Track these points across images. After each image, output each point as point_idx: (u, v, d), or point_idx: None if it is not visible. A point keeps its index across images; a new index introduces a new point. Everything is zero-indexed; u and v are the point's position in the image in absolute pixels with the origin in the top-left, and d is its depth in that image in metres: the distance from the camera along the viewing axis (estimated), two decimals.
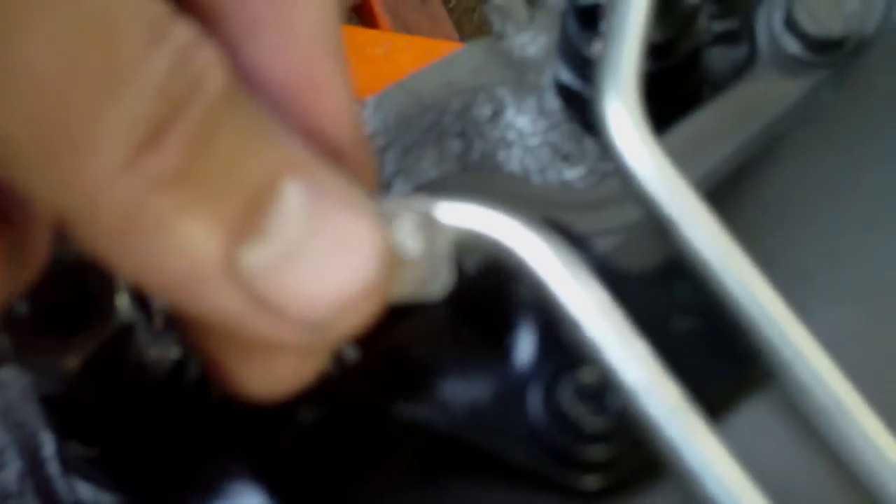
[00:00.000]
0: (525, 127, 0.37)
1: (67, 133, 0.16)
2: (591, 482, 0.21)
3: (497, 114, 0.37)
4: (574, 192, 0.32)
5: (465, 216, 0.20)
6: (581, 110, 0.36)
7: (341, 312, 0.18)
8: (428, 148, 0.36)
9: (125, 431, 0.28)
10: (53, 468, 0.32)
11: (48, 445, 0.32)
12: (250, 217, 0.17)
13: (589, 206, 0.29)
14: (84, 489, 0.31)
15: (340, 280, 0.18)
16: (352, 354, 0.24)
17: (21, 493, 0.32)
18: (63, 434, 0.28)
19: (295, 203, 0.18)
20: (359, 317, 0.18)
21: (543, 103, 0.37)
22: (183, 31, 0.16)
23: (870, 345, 0.24)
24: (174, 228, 0.17)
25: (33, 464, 0.32)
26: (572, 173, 0.36)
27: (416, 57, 0.87)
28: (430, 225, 0.20)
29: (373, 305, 0.19)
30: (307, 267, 0.18)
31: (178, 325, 0.21)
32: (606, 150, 0.24)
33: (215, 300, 0.18)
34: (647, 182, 0.23)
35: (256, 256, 0.17)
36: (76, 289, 0.25)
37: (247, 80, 0.19)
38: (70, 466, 0.30)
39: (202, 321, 0.20)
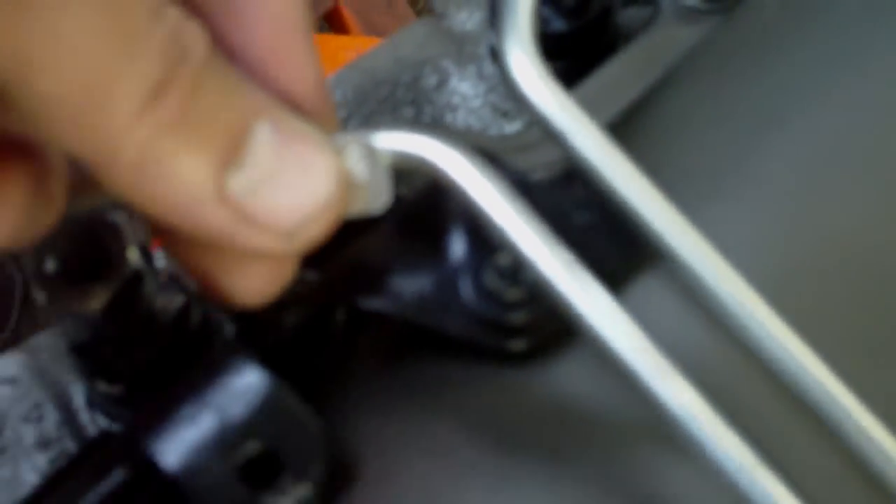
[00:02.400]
0: (467, 91, 0.42)
1: (94, 91, 0.20)
2: (516, 344, 0.26)
3: (442, 82, 0.43)
4: (506, 139, 0.37)
5: (401, 142, 0.25)
6: None
7: (308, 223, 0.23)
8: (384, 116, 0.41)
9: (140, 370, 0.34)
10: (84, 417, 0.38)
11: (78, 398, 0.38)
12: (232, 151, 0.22)
13: (518, 148, 0.34)
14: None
15: (306, 197, 0.23)
16: (313, 276, 0.29)
17: (60, 439, 0.37)
18: (90, 376, 0.34)
19: (266, 139, 0.23)
20: (321, 227, 0.24)
21: (482, 70, 0.43)
22: (173, 11, 0.22)
23: (741, 231, 0.29)
24: (176, 163, 0.22)
25: (68, 414, 0.37)
26: (511, 127, 0.42)
27: None
28: (372, 152, 0.25)
29: (332, 218, 0.24)
30: (279, 188, 0.23)
31: (177, 251, 0.26)
32: (511, 93, 0.29)
33: (209, 219, 0.23)
34: (548, 114, 0.28)
35: (239, 181, 0.22)
36: (92, 244, 0.30)
37: (227, 50, 0.24)
38: (98, 407, 0.35)
39: (198, 242, 0.25)
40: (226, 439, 0.24)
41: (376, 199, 0.25)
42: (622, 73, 0.37)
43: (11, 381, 0.37)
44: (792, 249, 0.29)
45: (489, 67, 0.43)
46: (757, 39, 0.36)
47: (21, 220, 0.24)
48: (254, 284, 0.26)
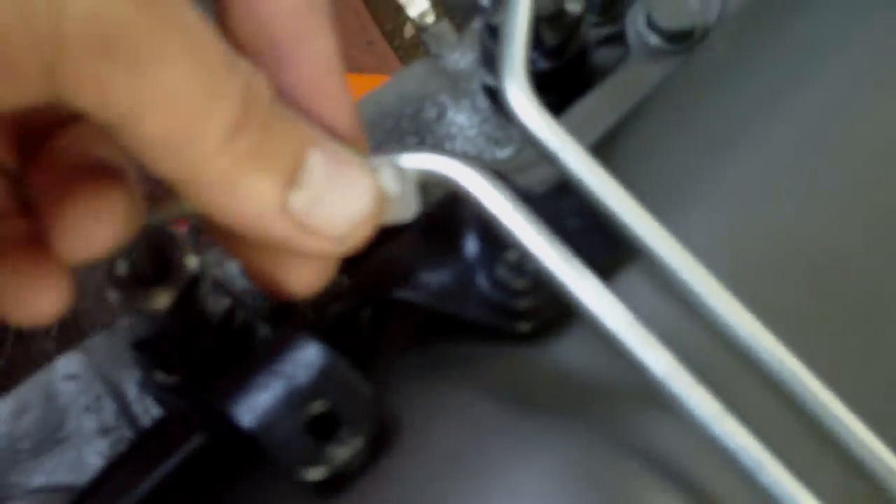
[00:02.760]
0: (463, 122, 0.48)
1: (188, 130, 0.25)
2: (523, 326, 0.32)
3: (441, 115, 0.49)
4: (503, 162, 0.43)
5: (426, 161, 0.31)
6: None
7: (353, 230, 0.29)
8: (391, 145, 0.47)
9: (194, 362, 0.39)
10: (137, 407, 0.43)
11: (131, 391, 0.43)
12: (292, 175, 0.28)
13: (513, 169, 0.40)
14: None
15: (351, 210, 0.29)
16: (345, 281, 0.35)
17: (118, 427, 0.42)
18: (149, 368, 0.39)
19: (318, 164, 0.28)
20: (363, 233, 0.29)
21: (475, 103, 0.49)
22: (245, 64, 0.27)
23: (703, 230, 0.35)
24: (249, 185, 0.27)
25: (123, 405, 0.43)
26: (502, 153, 0.48)
27: None
28: (401, 171, 0.31)
29: (371, 225, 0.29)
30: (330, 203, 0.29)
31: (241, 254, 0.31)
32: (511, 122, 0.34)
33: (274, 228, 0.28)
34: (542, 139, 0.34)
35: (298, 199, 0.28)
36: (156, 252, 0.36)
37: (283, 94, 0.29)
38: (153, 396, 0.41)
39: (262, 247, 0.30)
40: (294, 401, 0.29)
41: (407, 209, 0.31)
42: (600, 104, 0.44)
43: (73, 377, 0.43)
44: (746, 244, 0.35)
45: (481, 101, 0.49)
46: (712, 74, 0.42)
47: (121, 231, 0.29)
48: (304, 279, 0.31)
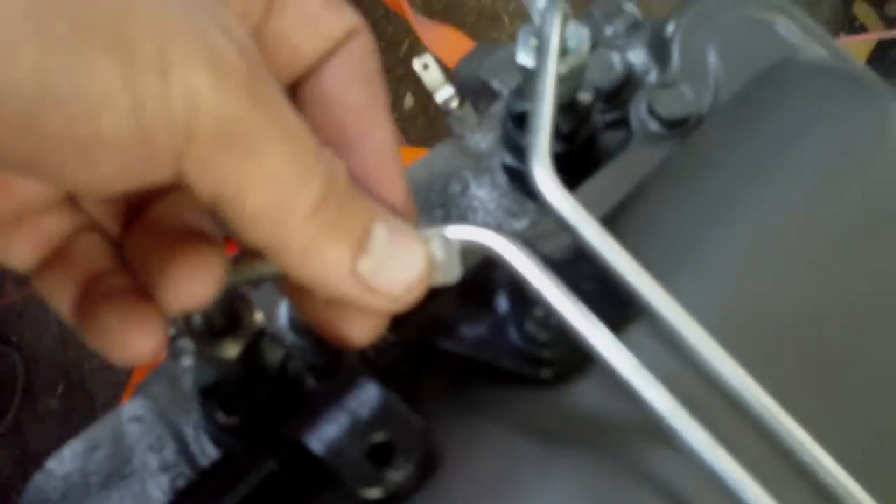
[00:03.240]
0: (484, 196, 0.55)
1: (283, 205, 0.30)
2: (546, 373, 0.38)
3: (465, 189, 0.55)
4: (524, 232, 0.49)
5: (466, 233, 0.37)
6: (521, 181, 0.54)
7: (408, 291, 0.34)
8: (421, 216, 0.53)
9: (254, 406, 0.44)
10: (195, 447, 0.48)
11: (189, 432, 0.48)
12: (362, 244, 0.33)
13: (534, 238, 0.46)
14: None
15: (408, 274, 0.34)
16: (391, 337, 0.41)
17: (178, 465, 0.47)
18: (212, 410, 0.44)
19: (383, 235, 0.33)
20: (417, 293, 0.35)
21: (495, 179, 0.55)
22: (327, 150, 0.32)
23: (701, 293, 0.41)
24: (328, 252, 0.32)
25: (182, 445, 0.48)
26: (519, 224, 0.54)
27: None
28: (447, 241, 0.37)
29: (424, 287, 0.35)
30: (392, 268, 0.34)
31: (309, 311, 0.37)
32: (539, 202, 0.40)
33: (345, 289, 0.33)
34: (563, 214, 0.40)
35: (367, 265, 0.33)
36: (228, 308, 0.41)
37: (352, 175, 0.35)
38: (211, 436, 0.46)
39: (331, 303, 0.36)
40: (357, 432, 0.35)
41: (452, 272, 0.37)
42: (607, 182, 0.50)
43: (139, 419, 0.48)
44: (735, 304, 0.41)
45: (500, 178, 0.55)
46: (705, 157, 0.48)
47: (216, 286, 0.34)
48: (361, 331, 0.37)
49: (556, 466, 0.36)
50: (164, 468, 0.47)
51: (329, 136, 0.35)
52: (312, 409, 0.36)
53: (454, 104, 0.57)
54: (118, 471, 0.48)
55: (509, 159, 0.54)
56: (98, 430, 0.48)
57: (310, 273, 0.33)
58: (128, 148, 0.27)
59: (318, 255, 0.32)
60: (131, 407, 0.48)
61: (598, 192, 0.48)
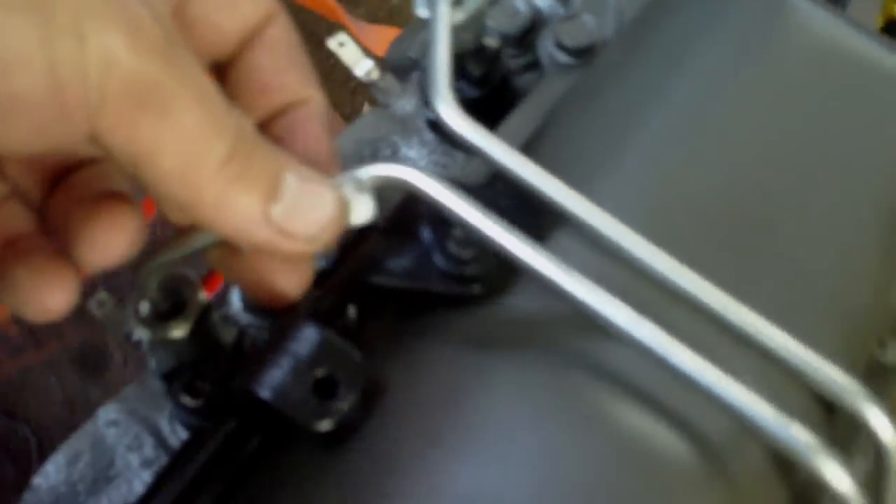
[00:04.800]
0: (414, 156, 0.56)
1: (195, 162, 0.32)
2: (476, 289, 0.39)
3: (395, 152, 0.56)
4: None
5: (379, 171, 0.38)
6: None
7: (321, 232, 0.36)
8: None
9: (216, 383, 0.45)
10: (173, 440, 0.49)
11: (165, 426, 0.50)
12: (272, 192, 0.34)
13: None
14: None
15: (320, 215, 0.36)
16: (318, 294, 0.42)
17: (158, 458, 0.48)
18: (176, 394, 0.45)
19: (292, 183, 0.35)
20: (331, 234, 0.36)
21: (423, 138, 0.56)
22: (236, 109, 0.33)
23: (616, 193, 0.42)
24: (238, 201, 0.33)
25: (159, 439, 0.49)
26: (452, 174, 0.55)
27: None
28: (360, 182, 0.38)
29: (337, 228, 0.36)
30: (303, 212, 0.35)
31: (238, 274, 0.38)
32: (447, 134, 0.42)
33: (260, 235, 0.34)
34: (471, 140, 0.41)
35: (277, 210, 0.34)
36: (172, 291, 0.43)
37: (275, 133, 0.37)
38: (180, 420, 0.47)
39: (257, 263, 0.37)
40: (299, 371, 0.36)
41: (367, 212, 0.38)
42: (522, 117, 0.51)
43: (114, 422, 0.49)
44: (655, 195, 0.42)
45: (427, 135, 0.56)
46: (610, 74, 0.50)
47: (133, 243, 0.35)
48: (289, 284, 0.38)
49: (497, 373, 0.38)
50: (146, 464, 0.48)
51: (258, 109, 0.37)
52: (257, 359, 0.37)
53: (375, 75, 0.58)
54: (103, 474, 0.49)
55: (431, 113, 0.55)
56: (77, 441, 0.49)
57: (225, 223, 0.34)
58: (43, 106, 0.29)
59: (230, 205, 0.34)
60: (106, 412, 0.49)
61: (515, 127, 0.50)
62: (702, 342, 0.37)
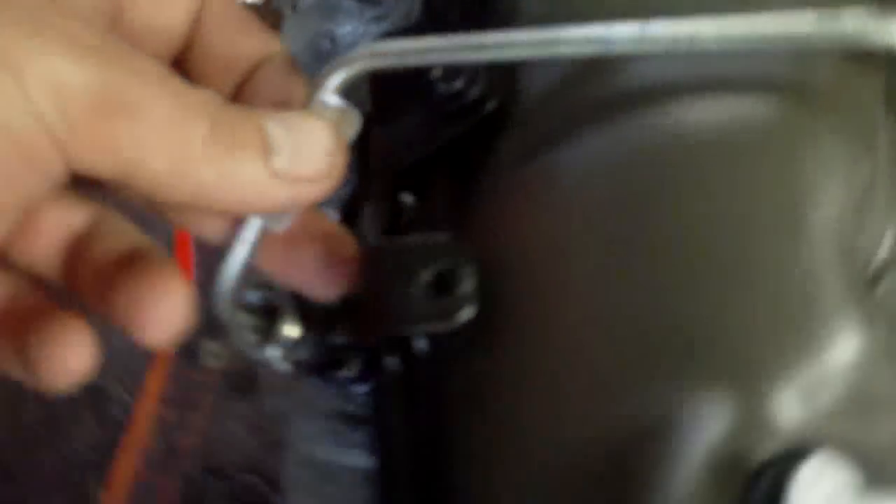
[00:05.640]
0: (350, 29, 0.54)
1: (181, 151, 0.30)
2: (490, 104, 0.38)
3: (333, 38, 0.54)
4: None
5: (340, 72, 0.35)
6: None
7: (332, 159, 0.33)
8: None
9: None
10: None
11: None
12: (263, 147, 0.31)
13: None
14: None
15: (322, 147, 0.33)
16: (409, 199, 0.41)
17: None
18: (334, 377, 0.45)
19: (278, 131, 0.32)
20: (341, 158, 0.34)
21: (345, 7, 0.54)
22: (198, 86, 0.31)
23: None
24: (241, 171, 0.31)
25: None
26: (389, 21, 0.52)
27: None
28: (332, 97, 0.36)
29: (343, 148, 0.34)
30: (305, 152, 0.32)
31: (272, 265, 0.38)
32: None
33: (273, 193, 0.31)
34: None
35: (279, 161, 0.31)
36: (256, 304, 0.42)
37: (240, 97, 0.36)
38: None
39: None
40: (414, 288, 0.35)
41: (356, 118, 0.36)
42: None
43: None
44: None
45: (348, 2, 0.54)
46: None
47: (187, 306, 0.33)
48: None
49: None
50: None
51: (227, 83, 0.36)
52: (370, 305, 0.36)
53: None
54: None
55: None
56: None
57: (238, 199, 0.32)
58: (8, 161, 0.28)
59: (234, 178, 0.32)
60: None
61: None
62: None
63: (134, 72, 0.30)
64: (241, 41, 0.36)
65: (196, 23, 0.36)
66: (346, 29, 0.53)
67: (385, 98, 0.39)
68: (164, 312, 0.33)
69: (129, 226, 0.36)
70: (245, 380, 1.29)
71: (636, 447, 0.31)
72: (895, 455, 0.31)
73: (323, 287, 0.38)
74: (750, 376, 0.30)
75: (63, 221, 0.35)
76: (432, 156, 0.39)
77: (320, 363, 0.45)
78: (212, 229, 0.37)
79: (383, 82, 0.37)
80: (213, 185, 0.31)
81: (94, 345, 0.32)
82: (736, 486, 0.29)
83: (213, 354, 0.45)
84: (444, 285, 0.35)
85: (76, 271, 0.35)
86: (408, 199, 0.40)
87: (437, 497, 0.37)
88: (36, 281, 0.35)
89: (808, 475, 0.28)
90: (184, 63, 0.37)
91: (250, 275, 0.39)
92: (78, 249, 0.35)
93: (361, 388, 0.48)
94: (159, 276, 0.33)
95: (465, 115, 0.37)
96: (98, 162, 0.29)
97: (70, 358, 0.32)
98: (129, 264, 0.34)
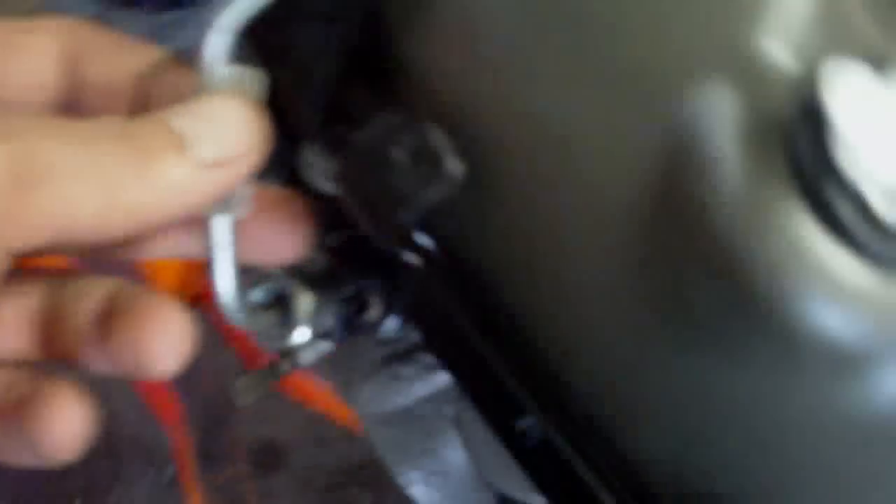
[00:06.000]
0: None
1: (100, 182, 0.29)
2: None
3: None
4: None
5: (219, 35, 0.33)
6: None
7: (254, 128, 0.33)
8: None
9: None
10: None
11: None
12: (178, 143, 0.31)
13: None
14: None
15: (240, 119, 0.33)
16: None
17: None
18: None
19: (186, 122, 0.32)
20: (264, 125, 0.33)
21: None
22: (99, 118, 0.31)
23: None
24: (165, 175, 0.31)
25: None
26: None
27: None
28: (230, 64, 0.34)
29: (263, 115, 0.33)
30: (226, 131, 0.32)
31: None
32: None
33: (214, 182, 0.31)
34: None
35: (204, 150, 0.31)
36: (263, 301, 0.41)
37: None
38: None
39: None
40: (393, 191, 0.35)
41: (261, 79, 0.34)
42: None
43: None
44: None
45: None
46: None
47: (190, 331, 0.33)
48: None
49: None
50: None
51: (128, 105, 0.36)
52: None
53: None
54: None
55: None
56: None
57: (179, 202, 0.32)
58: None
59: (165, 186, 0.31)
60: None
61: None
62: None
63: (13, 133, 0.29)
64: (119, 62, 0.36)
65: (69, 63, 0.36)
66: None
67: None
68: (170, 339, 0.33)
69: (91, 280, 0.35)
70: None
71: (675, 167, 0.31)
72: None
73: (289, 249, 0.38)
74: (733, 47, 0.31)
75: (20, 307, 0.35)
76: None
77: (347, 317, 0.45)
78: (177, 246, 0.37)
79: None
80: (150, 200, 0.31)
81: (88, 402, 0.32)
82: (778, 139, 0.30)
83: (245, 389, 0.43)
84: (420, 158, 0.35)
85: (55, 344, 0.34)
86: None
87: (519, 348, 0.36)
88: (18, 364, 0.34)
89: (831, 80, 0.28)
90: (72, 105, 0.36)
91: (250, 274, 0.39)
92: (47, 324, 0.34)
93: (392, 326, 0.47)
94: (148, 309, 0.33)
95: None
96: (34, 232, 0.29)
97: (67, 423, 0.32)
98: (116, 313, 0.33)
